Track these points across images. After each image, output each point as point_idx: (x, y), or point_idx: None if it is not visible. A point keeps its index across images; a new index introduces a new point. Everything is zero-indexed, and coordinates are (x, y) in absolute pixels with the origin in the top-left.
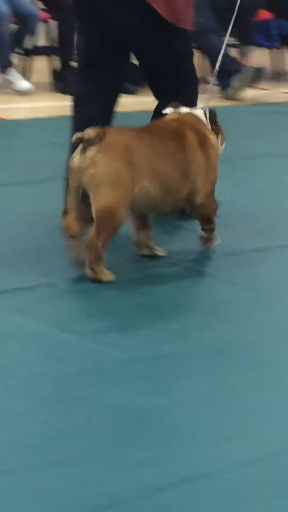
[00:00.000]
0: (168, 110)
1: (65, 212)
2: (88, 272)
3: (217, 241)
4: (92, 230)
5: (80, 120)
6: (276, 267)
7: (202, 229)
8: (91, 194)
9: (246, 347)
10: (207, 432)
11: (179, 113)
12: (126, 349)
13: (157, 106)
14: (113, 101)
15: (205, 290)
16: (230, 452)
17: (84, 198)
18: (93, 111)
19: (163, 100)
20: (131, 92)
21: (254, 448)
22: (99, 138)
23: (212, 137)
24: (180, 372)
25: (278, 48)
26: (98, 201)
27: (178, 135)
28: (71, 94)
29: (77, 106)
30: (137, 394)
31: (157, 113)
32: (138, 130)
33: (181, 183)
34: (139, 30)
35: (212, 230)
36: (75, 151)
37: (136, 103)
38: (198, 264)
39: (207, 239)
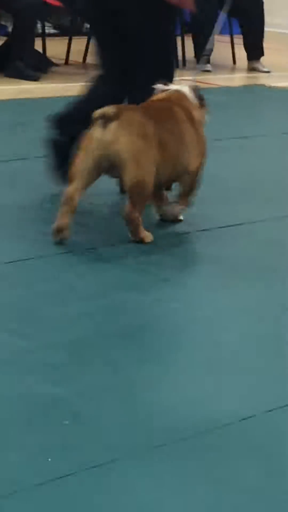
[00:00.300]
0: (158, 87)
1: (70, 180)
2: (133, 238)
3: (181, 217)
4: (127, 204)
5: (92, 103)
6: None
7: (179, 202)
8: (121, 170)
9: (152, 333)
10: (110, 419)
11: (169, 90)
12: (28, 337)
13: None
14: (123, 92)
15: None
16: (132, 439)
17: (108, 170)
18: (104, 100)
19: (142, 81)
20: (35, 79)
21: (157, 434)
22: (117, 115)
23: (198, 112)
24: (85, 360)
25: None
26: (130, 176)
27: (172, 111)
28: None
29: (91, 94)
30: (42, 382)
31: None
32: (141, 108)
33: (180, 154)
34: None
35: (187, 203)
36: (94, 126)
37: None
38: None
39: (174, 210)
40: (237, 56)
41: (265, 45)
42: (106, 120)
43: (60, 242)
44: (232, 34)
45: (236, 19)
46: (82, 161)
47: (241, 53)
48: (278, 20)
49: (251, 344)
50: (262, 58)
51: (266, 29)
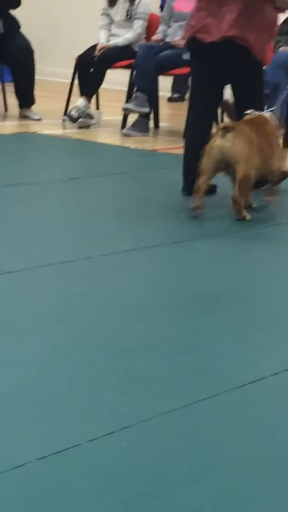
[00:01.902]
0: (249, 112)
1: (200, 174)
2: (237, 217)
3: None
4: (236, 191)
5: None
6: None
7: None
8: (235, 166)
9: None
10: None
11: (256, 114)
12: None
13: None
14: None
15: None
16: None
17: (225, 167)
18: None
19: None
20: None
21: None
22: (233, 128)
23: (276, 130)
24: None
25: None
26: (241, 172)
27: (263, 128)
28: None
29: (190, 119)
30: None
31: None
32: (244, 123)
33: (269, 158)
34: (241, 66)
35: (278, 191)
36: (216, 135)
37: None
38: None
39: (271, 194)
40: (8, 104)
41: (36, 92)
42: (226, 131)
43: (194, 217)
44: (4, 81)
45: (7, 66)
46: (207, 161)
47: (13, 101)
48: (50, 68)
49: None
50: (33, 106)
51: (37, 77)
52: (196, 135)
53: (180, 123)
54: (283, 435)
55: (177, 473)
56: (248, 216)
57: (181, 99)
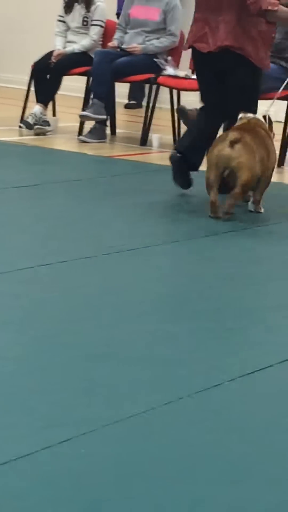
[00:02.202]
0: (241, 115)
1: (210, 188)
2: (228, 209)
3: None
4: (237, 190)
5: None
6: None
7: (255, 200)
8: (239, 174)
9: None
10: None
11: (249, 117)
12: None
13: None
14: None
15: None
16: None
17: (228, 175)
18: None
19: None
20: None
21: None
22: (240, 140)
23: (270, 133)
24: None
25: None
26: (244, 178)
27: (259, 132)
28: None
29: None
30: None
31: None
32: (247, 131)
33: (266, 162)
34: (237, 73)
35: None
36: (222, 145)
37: None
38: None
39: (257, 206)
40: None
41: None
42: (233, 142)
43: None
44: None
45: None
46: (214, 172)
47: None
48: (5, 74)
49: None
50: None
51: None
52: (205, 128)
53: (137, 130)
54: (248, 438)
55: (140, 478)
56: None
57: (137, 105)
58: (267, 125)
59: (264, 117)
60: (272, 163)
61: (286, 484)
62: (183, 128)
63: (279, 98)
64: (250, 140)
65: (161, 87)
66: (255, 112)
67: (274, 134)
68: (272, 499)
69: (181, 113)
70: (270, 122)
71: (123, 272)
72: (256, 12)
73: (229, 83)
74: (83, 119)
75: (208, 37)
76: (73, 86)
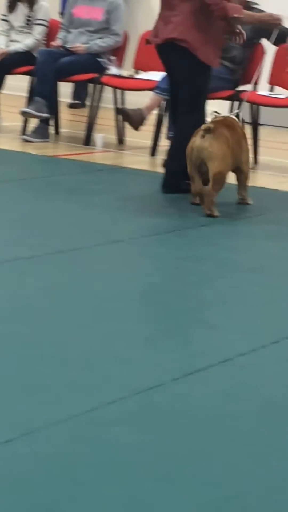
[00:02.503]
0: (215, 115)
1: (191, 178)
2: (206, 211)
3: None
4: (209, 186)
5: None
6: None
7: (240, 193)
8: (209, 164)
9: None
10: None
11: (222, 116)
12: None
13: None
14: None
15: None
16: None
17: (200, 167)
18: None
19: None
20: None
21: None
22: (212, 130)
23: (242, 128)
24: None
25: None
26: (214, 169)
27: (233, 128)
28: None
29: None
30: None
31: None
32: (220, 124)
33: (240, 158)
34: (182, 67)
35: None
36: (195, 137)
37: None
38: None
39: (244, 199)
40: None
41: None
42: (205, 132)
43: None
44: None
45: None
46: (190, 164)
47: None
48: None
49: None
50: None
51: None
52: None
53: (81, 129)
54: (187, 439)
55: (84, 477)
56: (216, 212)
57: (81, 105)
58: (240, 122)
59: (237, 116)
60: (246, 160)
61: (218, 486)
62: (127, 128)
63: (223, 98)
64: (225, 131)
65: (105, 87)
66: (201, 110)
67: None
68: (204, 500)
69: (123, 114)
70: (243, 121)
71: (66, 272)
72: (221, 17)
73: (174, 77)
74: (24, 116)
75: (159, 31)
76: (16, 86)
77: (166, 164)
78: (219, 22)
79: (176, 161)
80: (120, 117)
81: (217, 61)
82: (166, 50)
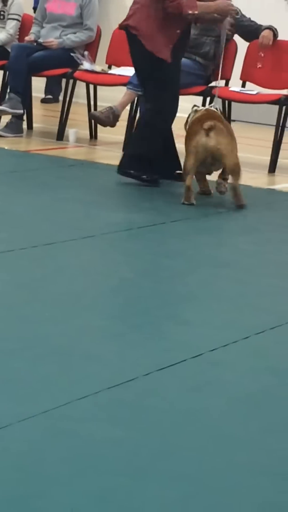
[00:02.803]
0: (196, 107)
1: (188, 173)
2: (239, 202)
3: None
4: (233, 180)
5: None
6: None
7: (224, 178)
8: (223, 160)
9: None
10: None
11: (205, 109)
12: None
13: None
14: None
15: None
16: None
17: (210, 163)
18: None
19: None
20: None
21: None
22: (215, 126)
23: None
24: None
25: None
26: (230, 162)
27: (222, 120)
28: None
29: None
30: None
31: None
32: (215, 118)
33: (233, 147)
34: (135, 55)
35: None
36: (200, 135)
37: None
38: None
39: (223, 186)
40: None
41: None
42: (209, 130)
43: (189, 205)
44: None
45: None
46: (193, 160)
47: None
48: None
49: None
50: None
51: None
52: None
53: (54, 124)
54: (156, 434)
55: (55, 473)
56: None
57: (54, 100)
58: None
59: (218, 108)
60: (236, 147)
61: (188, 480)
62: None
63: (195, 94)
64: (220, 124)
65: (78, 82)
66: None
67: None
68: (175, 494)
69: (94, 119)
70: (224, 113)
71: (39, 267)
72: (175, 14)
73: (133, 66)
74: (0, 114)
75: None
76: None
77: (125, 146)
78: (173, 17)
79: (134, 147)
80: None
81: (167, 54)
82: (127, 38)
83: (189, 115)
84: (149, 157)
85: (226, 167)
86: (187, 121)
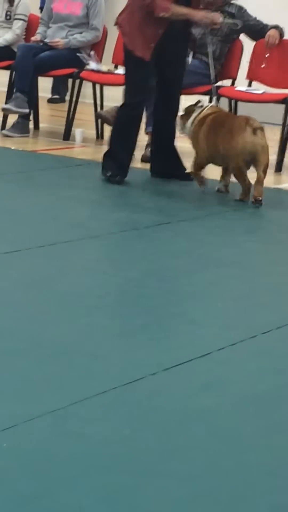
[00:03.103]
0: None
1: (241, 173)
2: (257, 197)
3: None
4: (262, 176)
5: None
6: None
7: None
8: (261, 157)
9: None
10: None
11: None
12: None
13: None
14: None
15: None
16: None
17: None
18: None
19: None
20: None
21: None
22: (259, 126)
23: None
24: None
25: None
26: (266, 160)
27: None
28: None
29: None
30: None
31: None
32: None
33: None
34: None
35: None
36: (246, 134)
37: None
38: None
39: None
40: None
41: None
42: (256, 129)
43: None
44: None
45: None
46: (242, 160)
47: None
48: None
49: None
50: None
51: None
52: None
53: (60, 124)
54: (166, 433)
55: (62, 472)
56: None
57: (61, 100)
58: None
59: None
60: None
61: (195, 480)
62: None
63: (201, 93)
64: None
65: (84, 82)
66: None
67: None
68: (182, 494)
69: (100, 118)
70: None
71: (45, 267)
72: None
73: None
74: (5, 112)
75: None
76: None
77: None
78: (154, 17)
79: (109, 145)
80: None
81: (145, 53)
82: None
83: (189, 110)
84: (111, 155)
85: (262, 164)
86: (185, 116)
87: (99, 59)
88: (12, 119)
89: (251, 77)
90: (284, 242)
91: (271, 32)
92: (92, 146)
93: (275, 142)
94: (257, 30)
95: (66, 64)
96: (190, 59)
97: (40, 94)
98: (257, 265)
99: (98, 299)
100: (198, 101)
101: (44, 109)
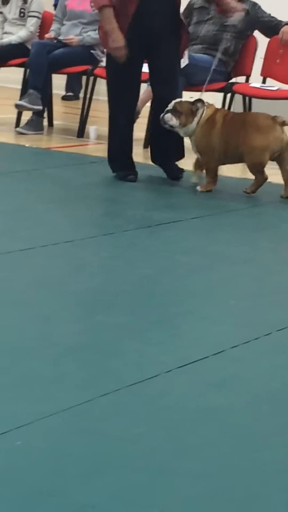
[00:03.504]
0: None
1: (262, 168)
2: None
3: None
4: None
5: None
6: None
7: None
8: (286, 154)
9: None
10: None
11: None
12: None
13: None
14: None
15: None
16: None
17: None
18: None
19: None
20: None
21: None
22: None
23: None
24: None
25: None
26: None
27: None
28: None
29: None
30: None
31: None
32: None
33: None
34: None
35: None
36: (273, 129)
37: None
38: None
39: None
40: None
41: None
42: (282, 125)
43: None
44: None
45: None
46: (267, 155)
47: None
48: None
49: None
50: None
51: None
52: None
53: (74, 122)
54: (180, 431)
55: (75, 470)
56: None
57: (75, 97)
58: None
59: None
60: None
61: (209, 478)
62: None
63: (215, 90)
64: None
65: (98, 79)
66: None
67: None
68: (196, 492)
69: None
70: None
71: (59, 265)
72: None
73: None
74: (18, 109)
75: None
76: (10, 78)
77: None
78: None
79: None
80: None
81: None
82: None
83: (186, 108)
84: (109, 151)
85: (286, 159)
86: (185, 116)
87: None
88: (26, 116)
89: (265, 73)
90: None
91: (285, 29)
92: (106, 143)
93: None
94: (271, 27)
95: (80, 61)
96: (187, 52)
97: (54, 91)
98: (270, 263)
99: (112, 296)
100: (197, 100)
101: (58, 107)
